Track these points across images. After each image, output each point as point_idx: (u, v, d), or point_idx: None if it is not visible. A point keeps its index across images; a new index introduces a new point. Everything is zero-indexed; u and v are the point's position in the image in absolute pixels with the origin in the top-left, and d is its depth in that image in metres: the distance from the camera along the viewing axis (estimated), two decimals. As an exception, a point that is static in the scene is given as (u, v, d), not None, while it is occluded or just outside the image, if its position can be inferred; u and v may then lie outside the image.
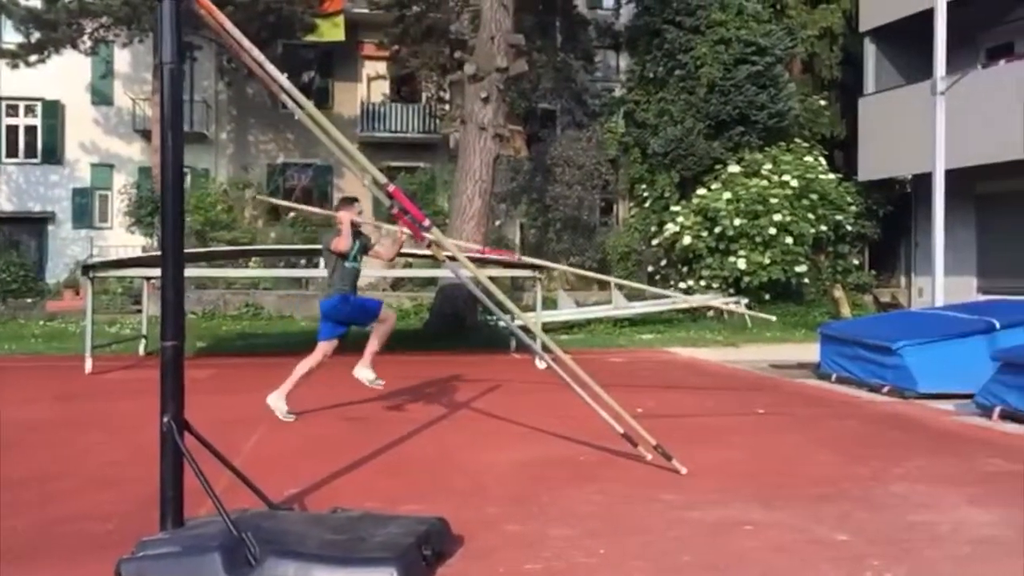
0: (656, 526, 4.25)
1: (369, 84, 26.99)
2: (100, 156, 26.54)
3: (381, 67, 26.72)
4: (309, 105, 4.35)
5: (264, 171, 26.41)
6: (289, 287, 20.22)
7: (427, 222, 4.81)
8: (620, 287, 16.88)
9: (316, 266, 13.67)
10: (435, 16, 21.66)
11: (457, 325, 14.65)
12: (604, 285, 18.99)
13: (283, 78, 4.36)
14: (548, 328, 16.00)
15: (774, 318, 11.13)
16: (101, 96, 26.56)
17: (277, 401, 7.29)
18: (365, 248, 7.52)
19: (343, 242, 7.12)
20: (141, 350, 13.04)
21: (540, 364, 6.29)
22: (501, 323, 5.97)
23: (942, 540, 4.03)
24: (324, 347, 7.36)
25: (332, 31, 23.95)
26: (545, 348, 6.72)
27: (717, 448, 6.26)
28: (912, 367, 8.71)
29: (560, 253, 20.19)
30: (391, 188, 4.73)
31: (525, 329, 6.12)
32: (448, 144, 24.16)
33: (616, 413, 5.58)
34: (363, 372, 7.35)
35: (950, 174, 12.76)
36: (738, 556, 3.79)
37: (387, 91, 26.97)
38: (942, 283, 12.48)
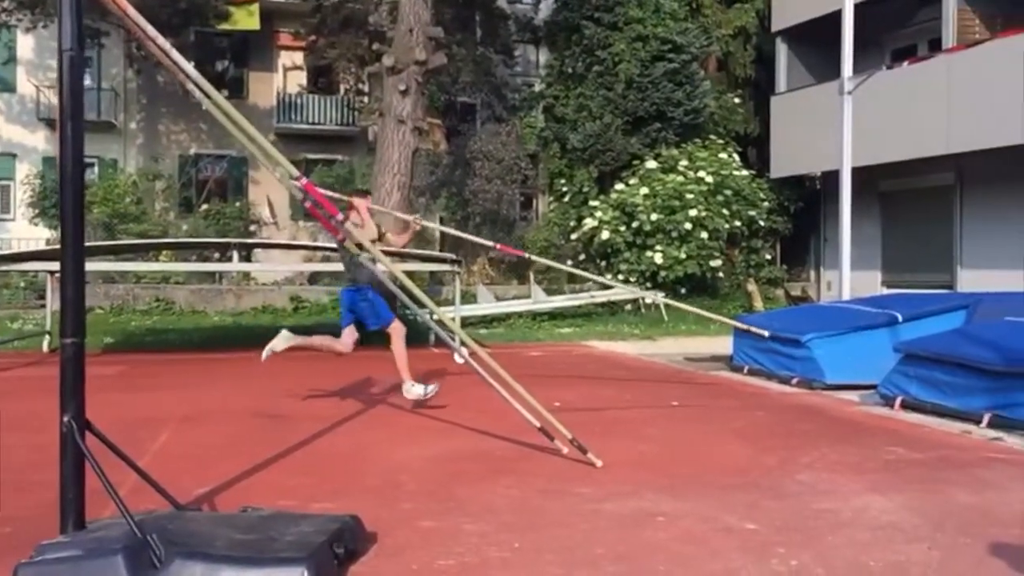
0: (570, 519, 4.28)
1: (285, 75, 26.52)
2: (2, 145, 25.49)
3: (298, 57, 26.29)
4: (216, 94, 4.24)
5: (176, 162, 25.71)
6: (202, 281, 19.76)
7: (340, 216, 4.74)
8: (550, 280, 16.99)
9: (229, 259, 13.39)
10: (353, 7, 21.39)
11: (375, 320, 14.50)
12: (523, 279, 19.07)
13: (189, 66, 4.24)
14: (467, 322, 16.00)
15: (716, 318, 11.26)
16: (3, 83, 25.50)
17: (412, 389, 7.39)
18: (380, 237, 7.68)
19: (367, 229, 7.23)
20: (45, 346, 12.59)
21: (459, 359, 6.31)
22: (420, 317, 5.95)
23: (845, 526, 4.16)
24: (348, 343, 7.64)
25: (247, 19, 23.44)
26: (462, 343, 6.71)
27: (632, 440, 6.34)
28: (820, 359, 8.96)
29: (480, 247, 20.17)
30: (303, 182, 4.65)
31: (442, 323, 6.09)
32: (367, 137, 23.92)
33: (532, 407, 5.61)
34: (414, 390, 7.42)
35: (856, 172, 13.16)
36: (649, 547, 3.84)
37: (304, 82, 26.54)
38: (848, 277, 12.87)
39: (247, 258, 19.49)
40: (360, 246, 5.22)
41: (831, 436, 6.48)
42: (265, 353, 7.47)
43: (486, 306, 16.87)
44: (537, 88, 23.17)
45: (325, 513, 4.03)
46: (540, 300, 17.12)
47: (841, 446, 6.06)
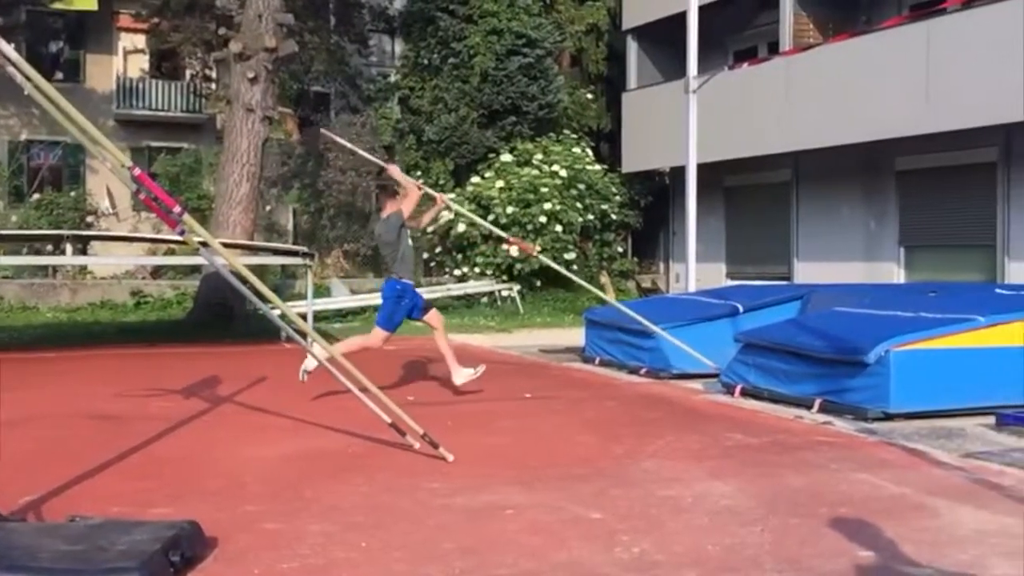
0: (420, 515, 4.25)
1: (126, 58, 25.20)
2: None
3: (140, 40, 25.03)
4: (37, 76, 3.96)
5: (5, 148, 24.05)
6: (34, 275, 18.59)
7: (177, 208, 4.53)
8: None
9: (63, 252, 12.65)
10: (199, -11, 20.58)
11: (224, 315, 14.03)
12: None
13: (7, 47, 3.95)
14: (322, 316, 15.69)
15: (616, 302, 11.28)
16: None
17: (461, 373, 7.74)
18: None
19: (412, 199, 7.71)
20: None
21: (320, 352, 6.18)
22: (276, 311, 5.77)
23: (686, 512, 4.30)
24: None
25: (83, -1, 22.18)
26: (307, 337, 6.55)
27: (484, 434, 6.37)
28: (666, 349, 9.24)
29: (335, 240, 19.85)
30: (136, 172, 4.42)
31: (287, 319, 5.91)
32: (215, 125, 23.07)
33: (382, 403, 5.54)
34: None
35: (702, 168, 13.65)
36: (498, 540, 3.86)
37: (146, 66, 25.30)
38: (694, 269, 13.34)
39: (83, 251, 18.45)
40: (204, 243, 5.00)
41: (676, 424, 6.69)
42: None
43: (341, 300, 16.59)
44: (392, 79, 22.93)
45: (160, 520, 3.85)
46: (396, 293, 16.96)
47: (685, 434, 6.27)
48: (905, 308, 7.73)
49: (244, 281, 5.11)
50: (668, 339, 9.04)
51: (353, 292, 17.37)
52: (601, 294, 10.98)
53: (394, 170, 8.45)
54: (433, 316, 8.04)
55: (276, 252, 13.68)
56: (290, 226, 21.08)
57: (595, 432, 6.40)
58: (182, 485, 4.84)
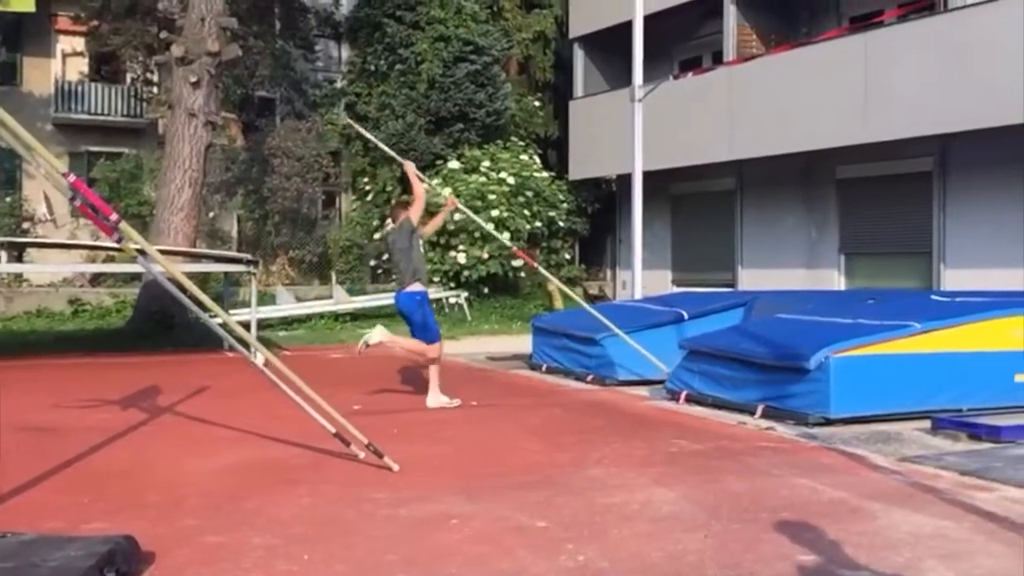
0: (364, 526, 4.21)
1: (65, 61, 24.64)
2: None
3: (79, 43, 24.48)
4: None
5: (-66, 152, 23.36)
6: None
7: (114, 216, 4.44)
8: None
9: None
10: (140, -9, 20.20)
11: (165, 323, 13.77)
12: (325, 279, 18.69)
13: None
14: (266, 324, 15.51)
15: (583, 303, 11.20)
16: None
17: (438, 399, 7.80)
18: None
19: (419, 204, 7.84)
20: None
21: (259, 361, 6.04)
22: (216, 320, 5.67)
23: (630, 519, 4.32)
24: (438, 346, 8.00)
25: (20, 0, 21.61)
26: (246, 344, 6.46)
27: (430, 443, 6.33)
28: (613, 356, 9.31)
29: (280, 247, 19.61)
30: (71, 179, 4.32)
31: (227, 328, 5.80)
32: (156, 130, 22.67)
33: (326, 412, 5.48)
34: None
35: (648, 175, 13.78)
36: (442, 550, 3.84)
37: (85, 69, 24.77)
38: (640, 276, 13.44)
39: (19, 258, 17.97)
40: (141, 250, 4.90)
41: (621, 431, 6.73)
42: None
43: (286, 307, 16.40)
44: (339, 85, 22.77)
45: (95, 535, 3.75)
46: (342, 300, 16.83)
47: (630, 440, 6.30)
48: (845, 315, 7.88)
49: (183, 289, 5.02)
50: (629, 342, 9.08)
51: (299, 299, 17.18)
52: (574, 296, 10.98)
53: (410, 168, 8.57)
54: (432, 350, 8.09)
55: (219, 259, 13.47)
56: (234, 233, 20.79)
57: (541, 440, 6.41)
58: (120, 499, 4.73)
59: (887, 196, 15.40)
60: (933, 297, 9.52)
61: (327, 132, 21.21)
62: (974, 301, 8.12)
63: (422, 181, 8.62)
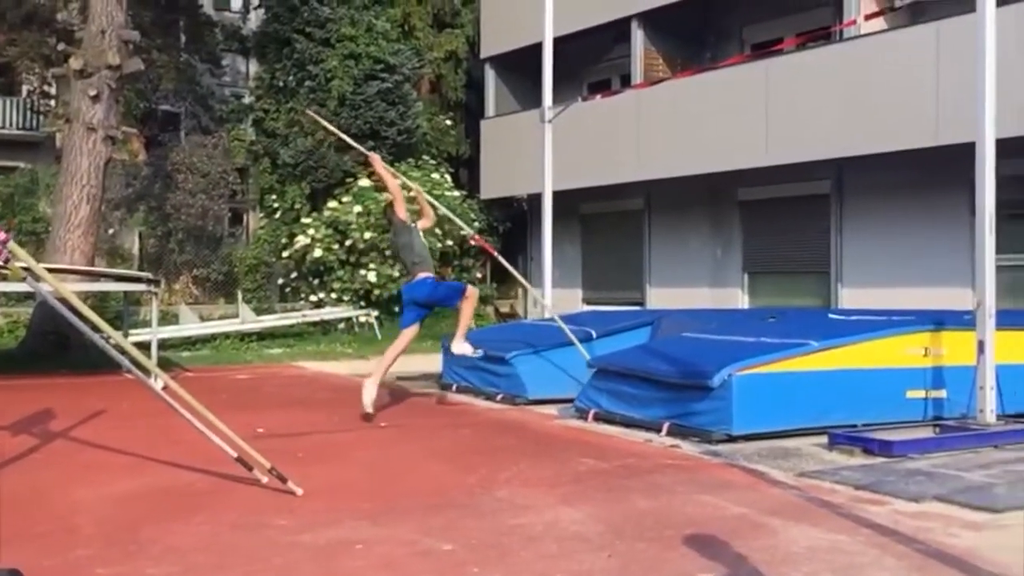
0: (264, 554, 4.11)
1: (-44, 71, 23.66)
2: None
3: (-29, 53, 23.55)
4: None
5: None
6: None
7: (2, 235, 4.25)
8: (248, 301, 16.37)
9: None
10: (37, 2, 19.50)
11: (59, 344, 13.24)
12: (231, 298, 18.28)
13: None
14: (169, 344, 15.06)
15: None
16: None
17: (372, 389, 8.00)
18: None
19: (398, 199, 8.16)
20: None
21: (157, 385, 5.83)
22: (111, 341, 5.46)
23: (536, 540, 4.32)
24: (409, 333, 8.41)
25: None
26: (141, 367, 6.27)
27: (336, 465, 6.24)
28: (522, 375, 9.34)
29: (183, 265, 19.11)
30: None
31: (121, 349, 5.59)
32: (54, 143, 21.88)
33: (227, 436, 5.34)
34: (463, 346, 8.37)
35: (558, 195, 13.89)
36: (345, 577, 3.77)
37: (-21, 80, 23.84)
38: (551, 295, 13.53)
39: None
40: (28, 269, 4.70)
41: (530, 451, 6.74)
42: (367, 405, 8.02)
43: (189, 327, 15.96)
44: (247, 100, 22.38)
45: (-24, 571, 3.57)
46: (249, 320, 16.48)
47: (538, 460, 6.32)
48: (747, 333, 8.08)
49: (75, 310, 4.84)
50: (582, 352, 9.17)
51: (203, 319, 16.75)
52: (540, 298, 10.96)
53: (375, 160, 8.82)
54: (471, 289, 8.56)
55: (119, 278, 13.01)
56: (136, 250, 20.17)
57: (449, 461, 6.37)
58: (7, 529, 4.50)
59: (788, 217, 15.89)
60: (830, 316, 9.83)
61: (234, 148, 20.80)
62: (868, 320, 8.43)
63: (392, 174, 8.90)
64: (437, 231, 19.03)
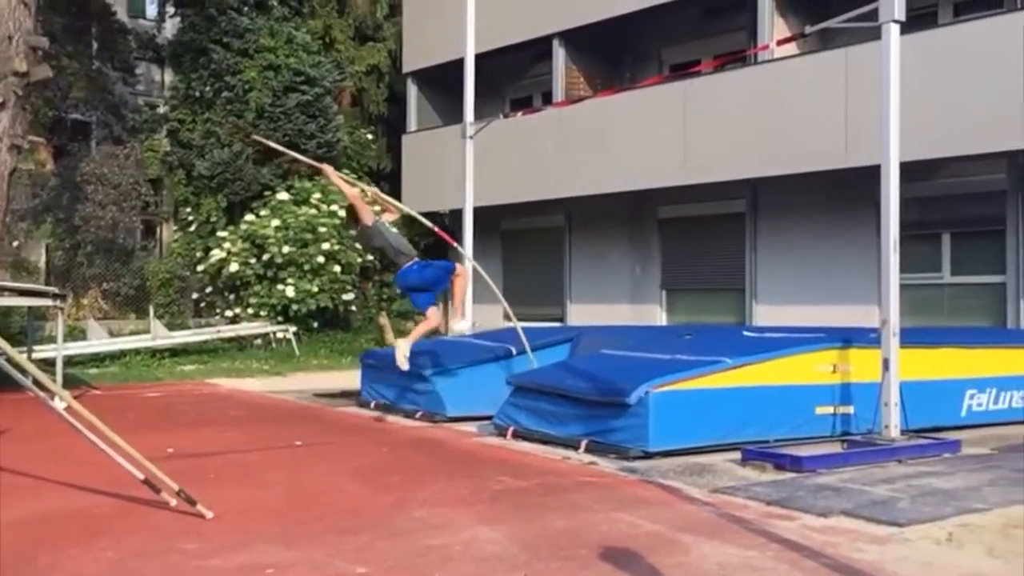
0: (170, 581, 3.98)
1: None
2: None
3: None
4: None
5: None
6: None
7: None
8: (159, 317, 15.94)
9: None
10: (-62, 4, 18.72)
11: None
12: (142, 312, 17.77)
13: None
14: (76, 361, 14.56)
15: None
16: None
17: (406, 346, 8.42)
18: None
19: (359, 205, 8.40)
20: None
21: (59, 404, 5.58)
22: (6, 357, 5.20)
23: (452, 561, 4.28)
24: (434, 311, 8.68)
25: None
26: (41, 385, 6.03)
27: (249, 486, 6.09)
28: (441, 392, 9.29)
29: (92, 279, 18.47)
30: None
31: (19, 367, 5.36)
32: (-45, 151, 20.97)
33: (133, 458, 5.17)
34: (460, 324, 8.87)
35: (480, 211, 13.90)
36: (254, 604, 3.67)
37: None
38: (471, 311, 13.50)
39: None
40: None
41: (448, 469, 6.70)
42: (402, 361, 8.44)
43: (98, 343, 15.44)
44: (161, 110, 21.84)
45: None
46: (161, 336, 16.02)
47: (456, 479, 6.28)
48: (664, 350, 8.19)
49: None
50: (532, 360, 9.26)
51: (112, 334, 16.23)
52: (510, 312, 10.91)
53: (328, 171, 9.01)
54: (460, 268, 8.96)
55: (23, 292, 12.51)
56: (42, 263, 19.43)
57: (366, 481, 6.29)
58: None
59: (705, 235, 16.21)
60: (744, 333, 10.03)
61: (147, 158, 20.26)
62: (780, 337, 8.63)
63: (347, 182, 9.07)
64: (358, 246, 18.88)
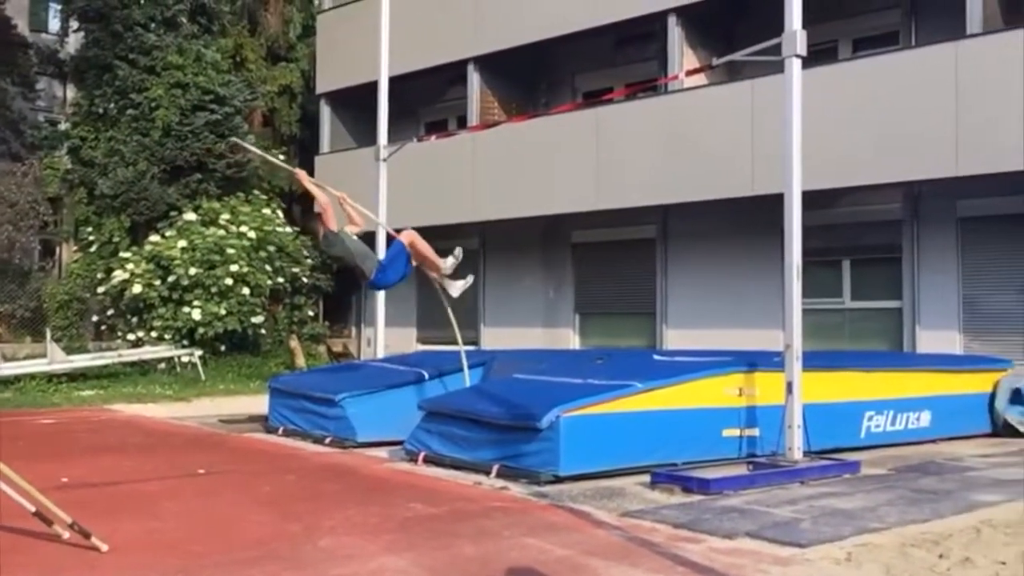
0: (59, 619, 3.79)
1: None
2: None
3: None
4: None
5: None
6: None
7: None
8: (57, 340, 15.32)
9: None
10: None
11: None
12: (39, 336, 17.07)
13: None
14: (-34, 387, 13.87)
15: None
16: None
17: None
18: None
19: (327, 211, 8.57)
20: None
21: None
22: None
23: (359, 592, 4.19)
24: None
25: None
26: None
27: (148, 517, 5.87)
28: (352, 417, 9.14)
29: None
30: None
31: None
32: None
33: (23, 489, 4.93)
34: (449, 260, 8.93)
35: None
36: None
37: None
38: (383, 335, 13.39)
39: None
40: None
41: (357, 496, 6.58)
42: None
43: (-9, 368, 14.76)
44: (62, 127, 21.13)
45: None
46: (58, 360, 15.39)
47: (365, 506, 6.17)
48: (576, 374, 8.23)
49: None
50: (466, 381, 9.30)
51: (6, 359, 15.54)
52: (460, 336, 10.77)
53: (301, 175, 9.43)
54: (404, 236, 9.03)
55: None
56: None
57: (272, 509, 6.12)
58: None
59: (618, 260, 16.43)
60: (655, 357, 10.17)
61: (47, 176, 19.54)
62: (689, 361, 8.78)
63: (319, 187, 9.28)
64: (268, 268, 18.55)
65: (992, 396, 10.02)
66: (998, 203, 12.35)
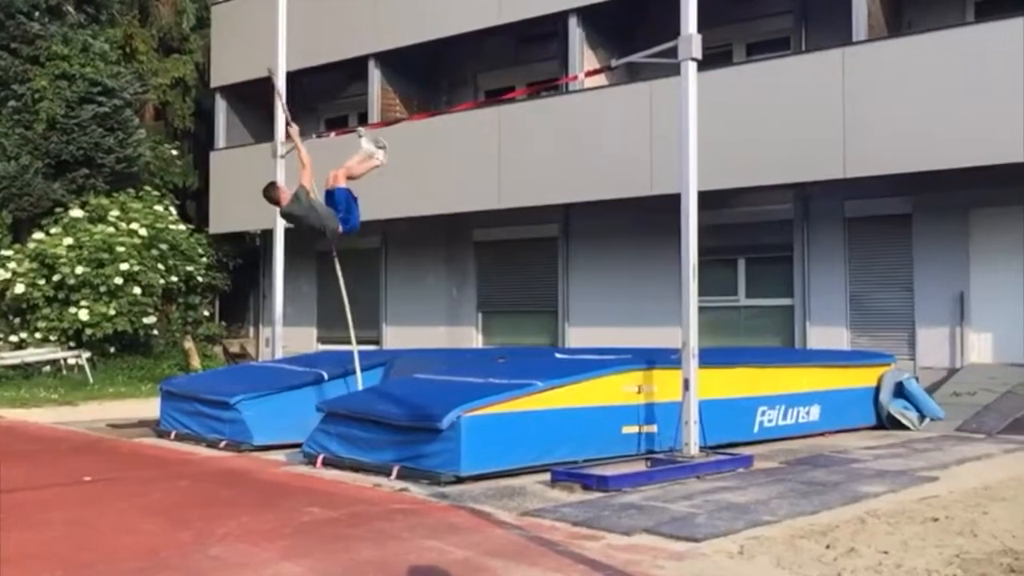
0: (-74, 642, 3.57)
1: None
2: None
3: None
4: None
5: None
6: None
7: None
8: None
9: None
10: None
11: None
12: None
13: None
14: None
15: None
16: None
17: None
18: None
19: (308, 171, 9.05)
20: None
21: None
22: None
23: (252, 602, 4.08)
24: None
25: None
26: None
27: (30, 528, 5.59)
28: (248, 420, 8.91)
29: None
30: None
31: None
32: None
33: None
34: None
35: (292, 232, 13.46)
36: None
37: None
38: (281, 335, 13.09)
39: None
40: None
41: (252, 501, 6.42)
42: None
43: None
44: (-62, 118, 20.00)
45: None
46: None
47: (260, 511, 6.02)
48: (477, 374, 8.22)
49: None
50: (359, 384, 9.12)
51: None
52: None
53: (294, 132, 10.14)
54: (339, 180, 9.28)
55: None
56: None
57: (162, 517, 5.91)
58: None
59: (520, 259, 16.51)
60: (556, 355, 10.25)
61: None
62: (589, 359, 8.86)
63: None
64: (160, 266, 17.97)
65: (876, 390, 10.43)
66: (883, 204, 12.90)
